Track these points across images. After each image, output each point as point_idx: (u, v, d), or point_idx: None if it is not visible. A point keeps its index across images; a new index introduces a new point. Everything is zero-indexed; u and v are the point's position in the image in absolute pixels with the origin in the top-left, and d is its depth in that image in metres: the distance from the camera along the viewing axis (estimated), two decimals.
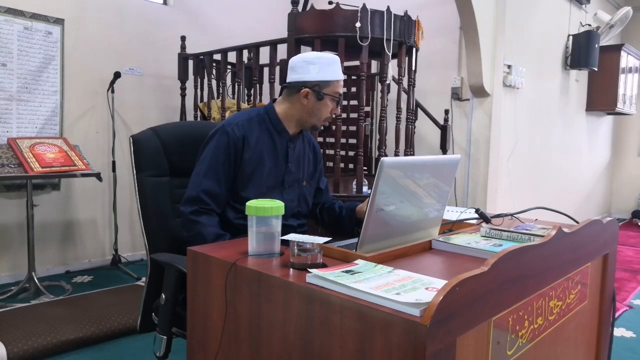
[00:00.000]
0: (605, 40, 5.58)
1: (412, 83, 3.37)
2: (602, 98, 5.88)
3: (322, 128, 1.87)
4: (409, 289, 0.95)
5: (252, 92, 4.14)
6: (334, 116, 1.81)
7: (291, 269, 1.14)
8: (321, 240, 1.16)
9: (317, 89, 1.69)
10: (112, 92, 3.87)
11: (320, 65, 1.68)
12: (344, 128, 4.29)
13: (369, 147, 4.60)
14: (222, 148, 1.65)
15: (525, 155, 4.62)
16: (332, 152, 3.23)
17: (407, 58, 3.19)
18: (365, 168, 4.03)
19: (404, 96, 3.40)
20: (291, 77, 1.72)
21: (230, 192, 1.69)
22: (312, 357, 1.02)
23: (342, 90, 1.76)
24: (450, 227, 1.63)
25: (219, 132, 1.67)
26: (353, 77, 4.48)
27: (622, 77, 5.85)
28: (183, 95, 4.21)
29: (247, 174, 1.68)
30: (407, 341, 0.85)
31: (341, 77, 1.74)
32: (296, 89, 1.71)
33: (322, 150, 4.48)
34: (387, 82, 3.17)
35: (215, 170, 1.65)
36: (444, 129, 4.00)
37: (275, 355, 1.10)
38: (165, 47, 4.30)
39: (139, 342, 2.61)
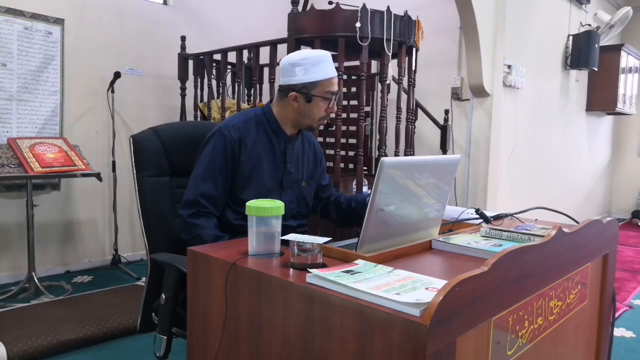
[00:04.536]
0: (605, 40, 5.58)
1: (412, 83, 3.37)
2: (602, 98, 5.87)
3: (321, 127, 1.84)
4: (409, 289, 0.95)
5: (252, 92, 4.14)
6: (332, 114, 1.76)
7: (291, 269, 1.14)
8: (321, 240, 1.16)
9: (305, 91, 1.65)
10: (112, 92, 3.87)
11: (305, 67, 1.64)
12: (344, 128, 4.28)
13: (369, 147, 4.60)
14: (219, 150, 1.65)
15: (525, 156, 4.62)
16: (332, 152, 3.22)
17: (407, 58, 3.19)
18: (365, 168, 4.03)
19: (404, 96, 3.40)
20: (280, 80, 1.71)
21: (229, 194, 1.69)
22: (312, 357, 1.02)
23: (335, 87, 1.68)
24: (450, 227, 1.63)
25: (216, 135, 1.66)
26: (353, 77, 4.48)
27: (622, 77, 5.85)
28: (183, 95, 4.21)
29: (245, 176, 1.67)
30: (407, 341, 0.85)
31: (331, 74, 1.67)
32: (285, 93, 1.69)
33: (322, 150, 4.49)
34: (387, 82, 3.17)
35: (213, 172, 1.64)
36: (444, 129, 4.00)
37: (275, 355, 1.10)
38: (165, 47, 4.30)
39: (139, 342, 2.61)
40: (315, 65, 1.65)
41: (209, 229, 1.60)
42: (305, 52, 1.72)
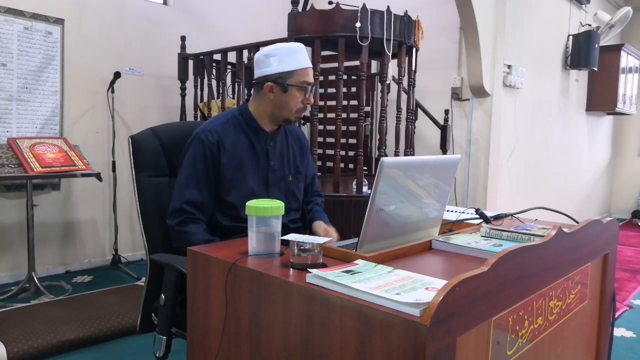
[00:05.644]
0: (605, 40, 5.58)
1: (412, 83, 3.37)
2: (602, 98, 5.87)
3: (299, 120, 1.83)
4: (409, 289, 0.95)
5: (252, 92, 4.14)
6: (308, 107, 1.75)
7: (291, 269, 1.14)
8: (321, 240, 1.16)
9: (280, 81, 1.65)
10: (112, 92, 3.87)
11: (280, 57, 1.65)
12: (344, 128, 4.29)
13: (369, 147, 4.60)
14: (198, 156, 1.65)
15: (525, 155, 4.62)
16: (332, 152, 3.22)
17: (407, 58, 3.19)
18: (365, 168, 4.02)
19: (404, 96, 3.40)
20: (255, 74, 1.71)
21: (215, 198, 1.69)
22: (312, 357, 1.02)
23: (310, 78, 1.69)
24: (450, 227, 1.63)
25: (194, 141, 1.67)
26: (353, 77, 4.48)
27: (622, 77, 5.85)
28: (183, 95, 4.21)
29: (228, 179, 1.67)
30: (407, 341, 0.85)
31: (306, 64, 1.68)
32: (261, 85, 1.69)
33: (322, 150, 4.50)
34: (387, 82, 3.17)
35: (196, 179, 1.64)
36: (444, 129, 4.00)
37: (275, 355, 1.10)
38: (165, 47, 4.30)
39: (139, 342, 2.61)
40: (289, 55, 1.66)
41: (198, 234, 1.60)
42: (278, 44, 1.72)
